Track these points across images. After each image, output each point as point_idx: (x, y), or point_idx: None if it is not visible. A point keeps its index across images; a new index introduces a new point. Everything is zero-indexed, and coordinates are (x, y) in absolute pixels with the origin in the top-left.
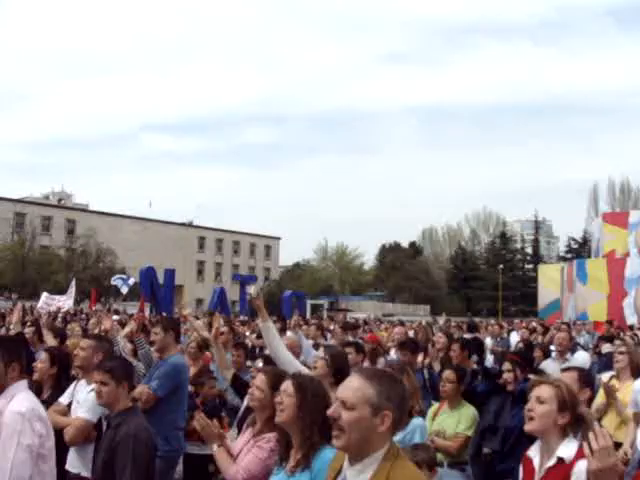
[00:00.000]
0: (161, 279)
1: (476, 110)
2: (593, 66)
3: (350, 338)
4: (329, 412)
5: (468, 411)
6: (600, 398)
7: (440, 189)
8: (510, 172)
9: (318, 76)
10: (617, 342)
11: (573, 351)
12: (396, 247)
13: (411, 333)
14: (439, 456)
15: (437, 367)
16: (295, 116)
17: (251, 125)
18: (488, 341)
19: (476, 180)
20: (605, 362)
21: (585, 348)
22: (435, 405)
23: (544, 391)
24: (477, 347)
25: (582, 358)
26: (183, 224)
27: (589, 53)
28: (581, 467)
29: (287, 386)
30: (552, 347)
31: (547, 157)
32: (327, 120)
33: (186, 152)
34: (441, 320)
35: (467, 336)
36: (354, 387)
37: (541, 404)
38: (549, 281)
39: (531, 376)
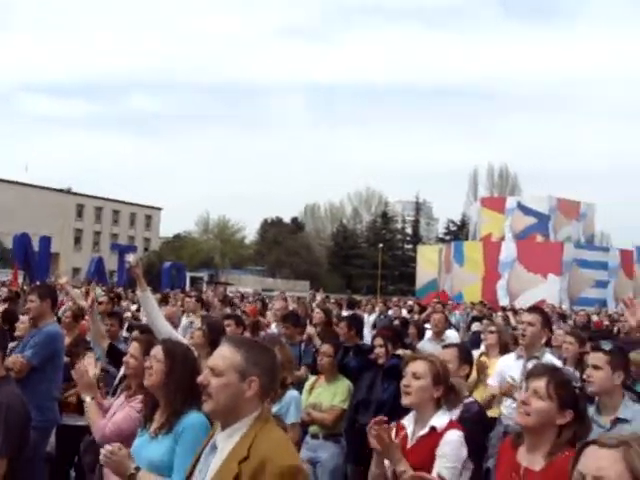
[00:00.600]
0: (36, 247)
1: (364, 89)
2: (479, 52)
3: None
4: (199, 379)
5: (344, 384)
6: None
7: (325, 166)
8: (394, 153)
9: (214, 46)
10: (485, 322)
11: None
12: (278, 222)
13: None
14: (315, 428)
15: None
16: (184, 85)
17: (138, 91)
18: (367, 318)
19: (360, 159)
20: (473, 340)
21: (456, 327)
22: (312, 378)
23: (419, 366)
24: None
25: (453, 336)
26: (61, 190)
27: (476, 39)
28: (450, 436)
29: (157, 351)
30: (427, 325)
31: (431, 140)
32: (216, 91)
33: (69, 116)
34: (319, 296)
35: (346, 313)
36: (222, 355)
37: (417, 379)
38: (427, 262)
39: (401, 351)
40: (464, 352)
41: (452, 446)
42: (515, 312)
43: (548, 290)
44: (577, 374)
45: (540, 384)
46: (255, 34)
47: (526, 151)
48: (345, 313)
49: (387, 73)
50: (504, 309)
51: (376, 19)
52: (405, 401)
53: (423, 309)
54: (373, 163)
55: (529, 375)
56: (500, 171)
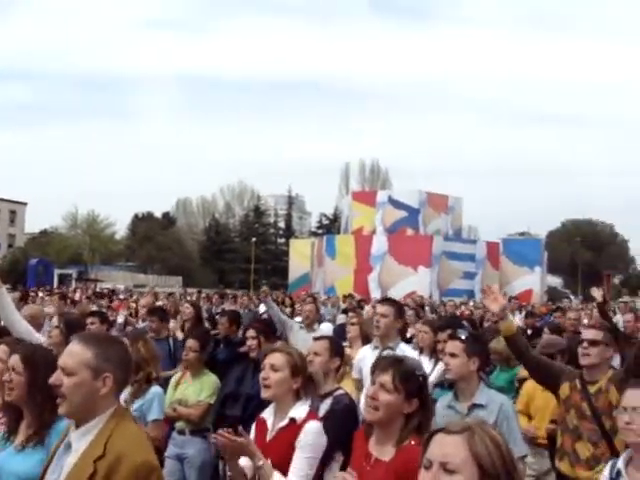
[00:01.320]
0: None
1: (235, 82)
2: (352, 48)
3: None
4: (50, 380)
5: (210, 379)
6: None
7: (197, 160)
8: (267, 146)
9: (83, 37)
10: (350, 314)
11: (320, 322)
12: (149, 217)
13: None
14: (181, 424)
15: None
16: (53, 75)
17: (5, 80)
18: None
19: (233, 153)
20: (339, 332)
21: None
22: (178, 374)
23: (277, 359)
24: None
25: (327, 329)
26: None
27: (348, 35)
28: (310, 427)
29: (15, 362)
30: (297, 319)
31: (304, 134)
32: (86, 83)
33: None
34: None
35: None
36: (72, 352)
37: (275, 372)
38: (300, 255)
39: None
40: (335, 344)
41: (310, 437)
42: None
43: (418, 282)
44: (432, 362)
45: (386, 378)
46: (126, 25)
47: (397, 146)
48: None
49: (259, 66)
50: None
51: (248, 11)
52: (264, 394)
53: (293, 303)
54: (245, 157)
55: (374, 369)
56: (371, 166)
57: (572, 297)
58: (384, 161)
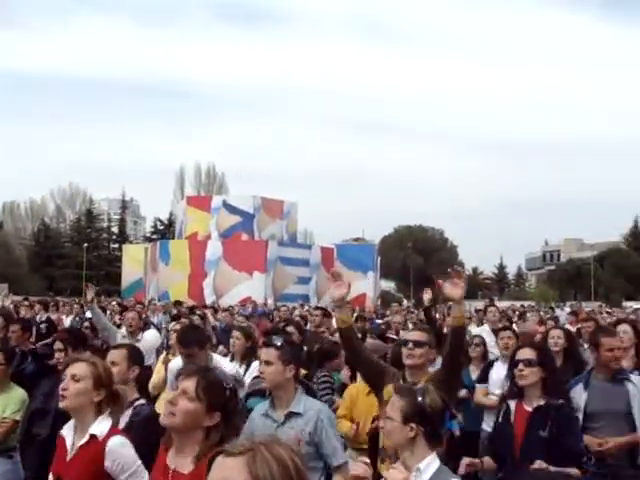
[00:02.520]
0: None
1: (70, 82)
2: (189, 51)
3: None
4: None
5: (16, 394)
6: (157, 375)
7: (24, 162)
8: (99, 149)
9: None
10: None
11: (145, 329)
12: None
13: None
14: None
15: None
16: None
17: None
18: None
19: (63, 155)
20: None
21: (158, 327)
22: None
23: (79, 368)
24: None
25: (151, 336)
26: None
27: (186, 39)
28: (114, 443)
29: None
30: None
31: (138, 137)
32: None
33: None
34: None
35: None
36: None
37: (76, 382)
38: (133, 261)
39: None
40: (134, 352)
41: (120, 454)
42: (216, 310)
43: (253, 287)
44: (243, 369)
45: (189, 384)
46: None
47: (234, 152)
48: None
49: (94, 67)
50: (205, 307)
51: (85, 9)
52: (62, 404)
53: (124, 309)
54: (78, 159)
55: (179, 374)
56: (207, 170)
57: (405, 301)
58: (220, 166)
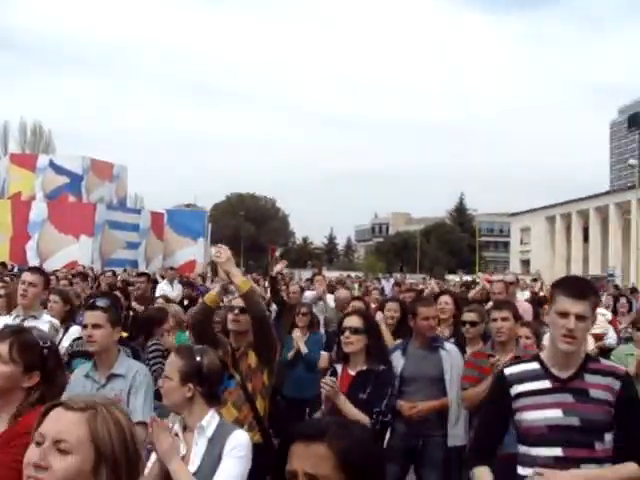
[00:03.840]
0: None
1: None
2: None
3: None
4: None
5: None
6: None
7: None
8: None
9: None
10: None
11: None
12: None
13: None
14: None
15: None
16: None
17: None
18: None
19: None
20: None
21: None
22: None
23: None
24: None
25: None
26: None
27: None
28: None
29: None
30: None
31: None
32: None
33: None
34: None
35: None
36: None
37: None
38: None
39: None
40: None
41: None
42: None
43: (80, 251)
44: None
45: (3, 348)
46: None
47: (63, 109)
48: None
49: None
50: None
51: None
52: None
53: None
54: None
55: None
56: (33, 127)
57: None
58: (48, 123)
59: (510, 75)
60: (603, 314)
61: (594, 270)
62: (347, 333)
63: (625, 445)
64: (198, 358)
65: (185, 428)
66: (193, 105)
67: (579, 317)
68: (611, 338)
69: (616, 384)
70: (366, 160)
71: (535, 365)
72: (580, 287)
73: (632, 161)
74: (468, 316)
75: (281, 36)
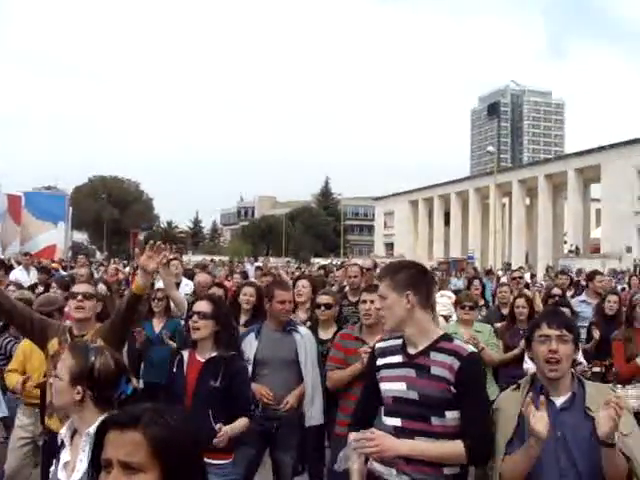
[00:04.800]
0: None
1: None
2: None
3: None
4: None
5: None
6: None
7: None
8: None
9: None
10: None
11: None
12: None
13: None
14: None
15: None
16: None
17: None
18: None
19: None
20: None
21: None
22: None
23: None
24: None
25: None
26: None
27: None
28: None
29: None
30: None
31: None
32: None
33: None
34: None
35: None
36: None
37: None
38: None
39: None
40: None
41: None
42: None
43: None
44: None
45: None
46: None
47: None
48: None
49: None
50: None
51: None
52: None
53: None
54: None
55: None
56: None
57: (98, 253)
58: None
59: (373, 60)
60: (449, 296)
61: (455, 253)
62: (195, 318)
63: (460, 424)
64: (92, 358)
65: (75, 432)
66: (53, 83)
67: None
68: (454, 319)
69: (456, 364)
70: (232, 143)
71: (399, 341)
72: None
73: (490, 148)
74: (322, 299)
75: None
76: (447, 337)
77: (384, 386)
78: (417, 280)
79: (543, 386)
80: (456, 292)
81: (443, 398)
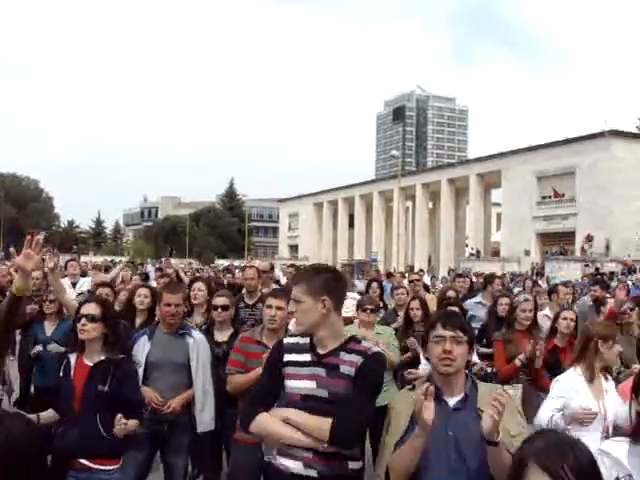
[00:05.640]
0: None
1: None
2: None
3: None
4: None
5: None
6: None
7: None
8: None
9: None
10: None
11: None
12: None
13: None
14: None
15: None
16: None
17: None
18: None
19: None
20: None
21: None
22: None
23: None
24: None
25: None
26: None
27: None
28: None
29: None
30: None
31: None
32: None
33: None
34: None
35: None
36: None
37: None
38: None
39: None
40: None
41: None
42: None
43: None
44: None
45: None
46: None
47: None
48: None
49: None
50: None
51: None
52: None
53: None
54: None
55: None
56: None
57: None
58: None
59: (282, 63)
60: (353, 298)
61: (359, 255)
62: (83, 320)
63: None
64: None
65: None
66: None
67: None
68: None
69: (360, 360)
70: (136, 143)
71: (306, 340)
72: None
73: (394, 152)
74: (218, 300)
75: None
76: (355, 339)
77: (291, 383)
78: (333, 285)
79: (437, 387)
80: (361, 294)
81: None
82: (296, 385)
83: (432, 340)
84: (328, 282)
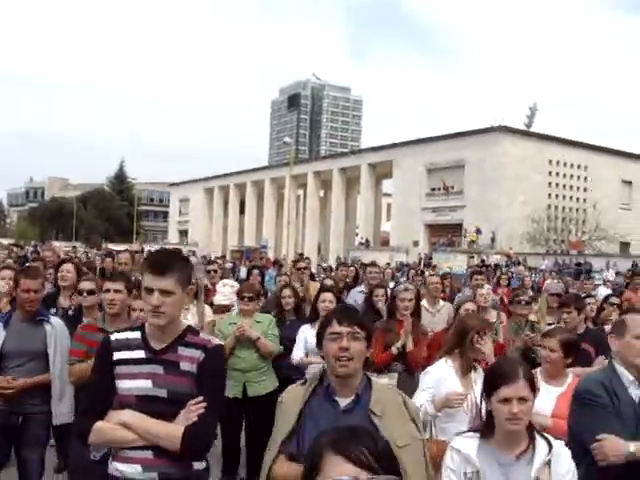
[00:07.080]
0: None
1: None
2: None
3: None
4: None
5: None
6: None
7: None
8: None
9: None
10: None
11: None
12: None
13: None
14: None
15: None
16: None
17: None
18: None
19: None
20: None
21: None
22: None
23: None
24: None
25: None
26: None
27: None
28: None
29: None
30: None
31: None
32: None
33: None
34: None
35: None
36: None
37: None
38: None
39: None
40: None
41: None
42: None
43: None
44: None
45: None
46: None
47: None
48: None
49: None
50: None
51: None
52: None
53: None
54: None
55: None
56: None
57: None
58: None
59: (176, 44)
60: (232, 285)
61: (249, 241)
62: None
63: None
64: None
65: None
66: None
67: (163, 292)
68: (235, 309)
69: (201, 356)
70: (22, 120)
71: (137, 334)
72: (162, 262)
73: (287, 139)
74: (84, 285)
75: None
76: (192, 329)
77: (123, 384)
78: (191, 273)
79: (330, 385)
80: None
81: (191, 393)
82: (129, 385)
83: (327, 337)
84: (191, 270)
